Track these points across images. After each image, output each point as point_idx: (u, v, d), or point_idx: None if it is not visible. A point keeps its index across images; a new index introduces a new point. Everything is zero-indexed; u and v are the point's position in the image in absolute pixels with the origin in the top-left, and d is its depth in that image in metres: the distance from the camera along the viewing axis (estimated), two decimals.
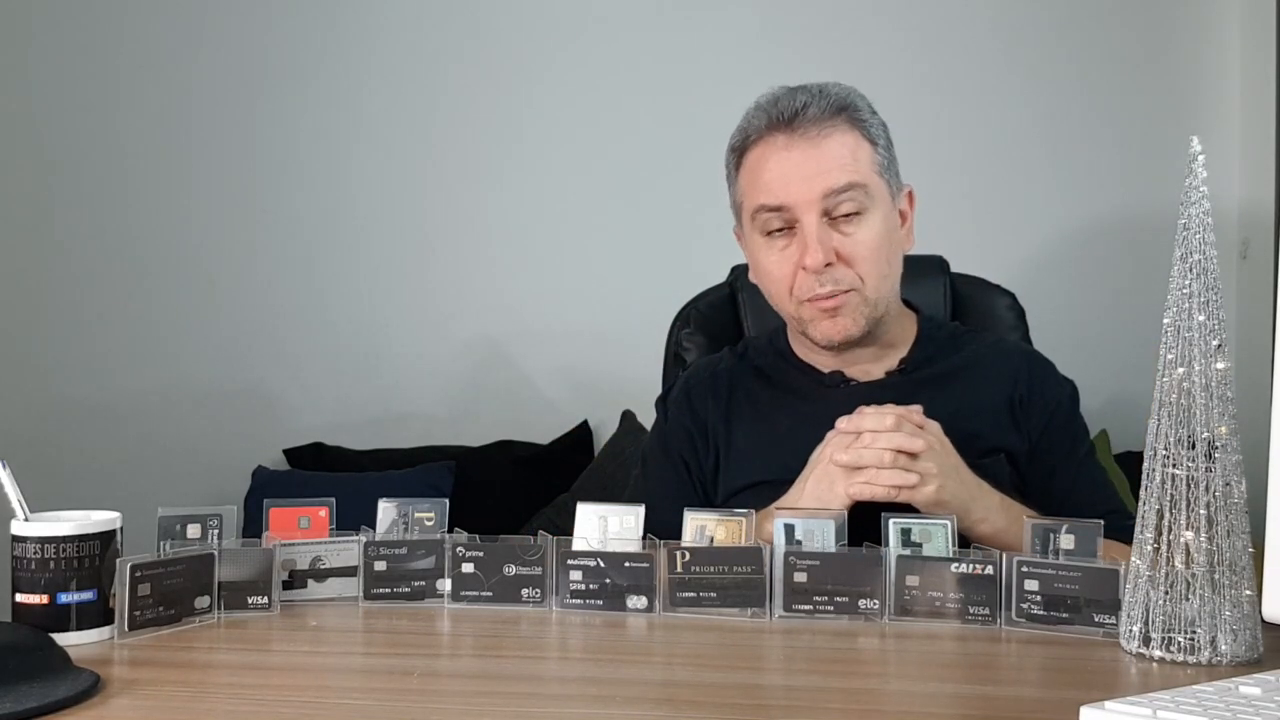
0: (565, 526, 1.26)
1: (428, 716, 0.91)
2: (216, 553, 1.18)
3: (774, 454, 1.49)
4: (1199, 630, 1.02)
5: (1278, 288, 2.57)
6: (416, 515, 1.28)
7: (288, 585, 1.24)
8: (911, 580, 1.18)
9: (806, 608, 1.19)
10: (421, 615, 1.22)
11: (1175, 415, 1.04)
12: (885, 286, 1.51)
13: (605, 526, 1.25)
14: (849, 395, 1.49)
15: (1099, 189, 3.02)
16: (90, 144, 3.37)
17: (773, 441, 1.52)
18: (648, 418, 1.73)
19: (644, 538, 1.25)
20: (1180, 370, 1.04)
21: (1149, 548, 1.04)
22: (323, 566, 1.26)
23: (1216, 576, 1.02)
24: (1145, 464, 1.06)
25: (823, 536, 1.21)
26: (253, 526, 1.25)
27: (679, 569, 1.20)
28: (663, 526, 1.26)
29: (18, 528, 1.09)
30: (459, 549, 1.24)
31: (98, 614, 1.10)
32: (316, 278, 3.31)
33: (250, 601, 1.20)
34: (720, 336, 1.85)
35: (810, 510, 1.27)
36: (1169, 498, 1.04)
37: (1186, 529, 1.03)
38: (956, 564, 1.17)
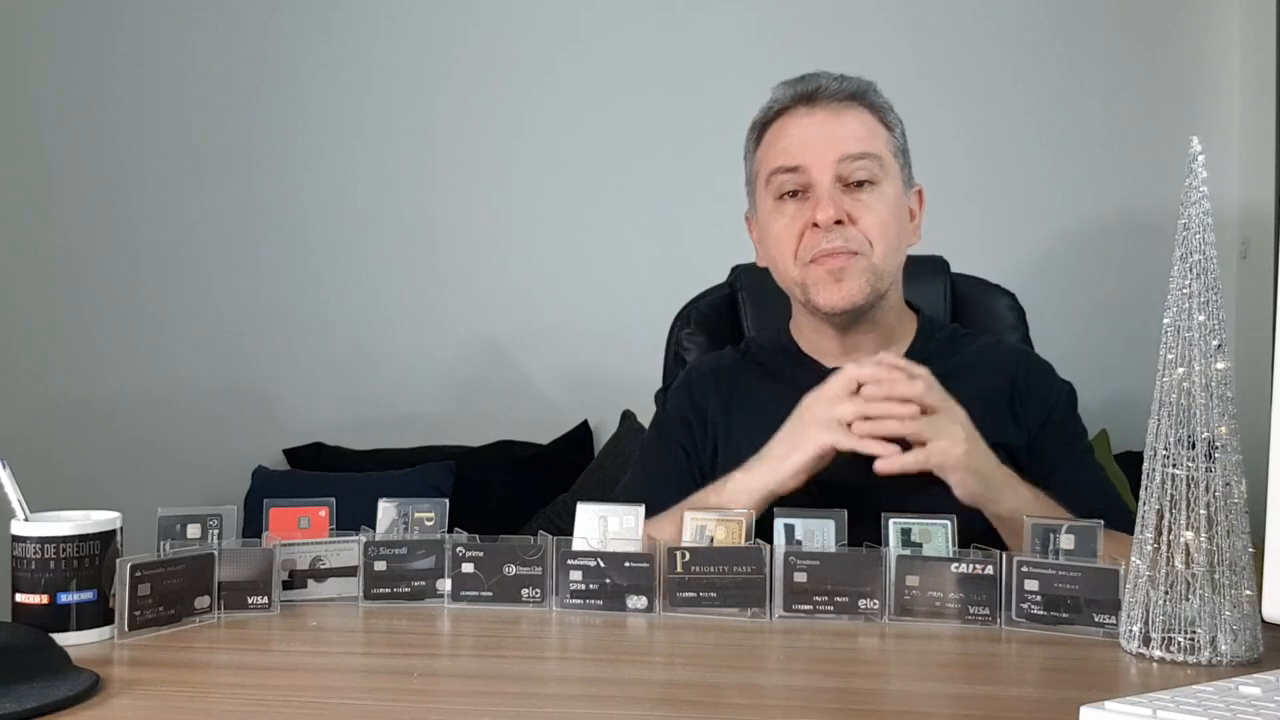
0: (565, 526, 1.27)
1: (428, 716, 0.91)
2: (216, 553, 1.18)
3: None
4: (1199, 630, 1.02)
5: (1278, 288, 2.57)
6: (416, 515, 1.28)
7: (288, 585, 1.24)
8: (911, 580, 1.18)
9: (806, 608, 1.19)
10: (421, 615, 1.22)
11: (1175, 415, 1.04)
12: (892, 261, 1.52)
13: (605, 526, 1.25)
14: None
15: (1099, 189, 3.02)
16: (90, 144, 3.37)
17: (771, 432, 1.52)
18: (648, 418, 1.73)
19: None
20: (1180, 370, 1.04)
21: (1149, 548, 1.04)
22: (323, 566, 1.26)
23: (1216, 576, 1.02)
24: (1145, 464, 1.06)
25: (823, 536, 1.22)
26: (253, 526, 1.25)
27: (679, 569, 1.20)
28: (650, 501, 1.28)
29: (18, 528, 1.09)
30: (459, 549, 1.24)
31: (98, 614, 1.10)
32: (316, 277, 3.31)
33: (250, 601, 1.20)
34: (720, 336, 1.85)
35: (810, 510, 1.27)
36: (1169, 498, 1.04)
37: (1186, 529, 1.03)
38: (957, 564, 1.17)
